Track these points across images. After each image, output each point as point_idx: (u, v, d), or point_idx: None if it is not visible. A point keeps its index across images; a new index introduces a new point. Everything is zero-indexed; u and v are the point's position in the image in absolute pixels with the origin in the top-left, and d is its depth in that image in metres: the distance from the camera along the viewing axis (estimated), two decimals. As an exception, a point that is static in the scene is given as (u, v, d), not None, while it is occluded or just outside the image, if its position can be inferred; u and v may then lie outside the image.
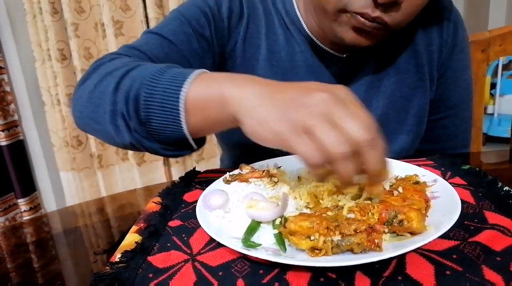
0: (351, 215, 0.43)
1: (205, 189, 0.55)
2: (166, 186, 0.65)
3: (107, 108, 0.50)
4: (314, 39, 0.72)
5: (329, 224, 0.41)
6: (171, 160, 1.90)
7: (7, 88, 1.79)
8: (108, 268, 0.43)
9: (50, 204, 2.01)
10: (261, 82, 0.45)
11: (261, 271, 0.40)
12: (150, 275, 0.41)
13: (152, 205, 0.58)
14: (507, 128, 2.51)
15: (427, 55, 0.76)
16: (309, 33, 0.72)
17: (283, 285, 0.38)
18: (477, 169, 0.60)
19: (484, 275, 0.36)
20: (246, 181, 0.54)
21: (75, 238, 0.61)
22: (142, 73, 0.50)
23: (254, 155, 0.63)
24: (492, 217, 0.46)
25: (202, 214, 0.49)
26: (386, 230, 0.41)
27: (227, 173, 0.59)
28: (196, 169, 0.72)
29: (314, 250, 0.41)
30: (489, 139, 2.62)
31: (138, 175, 1.88)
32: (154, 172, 1.92)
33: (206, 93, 0.46)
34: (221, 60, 0.73)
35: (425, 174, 0.55)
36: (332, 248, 0.40)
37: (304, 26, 0.72)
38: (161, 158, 1.88)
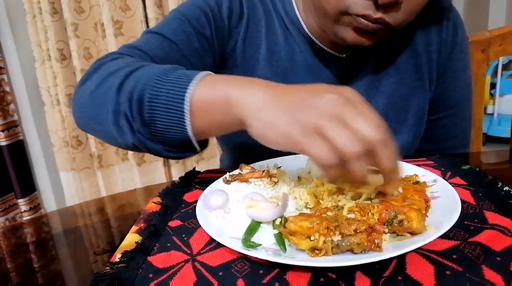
0: (351, 215, 0.43)
1: (205, 189, 0.55)
2: (166, 186, 0.65)
3: (110, 108, 0.50)
4: (314, 39, 0.72)
5: (329, 224, 0.41)
6: (171, 160, 1.89)
7: (7, 88, 1.78)
8: (108, 268, 0.43)
9: (50, 204, 2.00)
10: (266, 85, 0.44)
11: (261, 271, 0.40)
12: (150, 275, 0.41)
13: (152, 205, 0.58)
14: (507, 128, 2.51)
15: (427, 55, 0.76)
16: (308, 33, 0.72)
17: (283, 285, 0.38)
18: (477, 169, 0.60)
19: (484, 275, 0.36)
20: (246, 181, 0.54)
21: (75, 238, 0.61)
22: (146, 74, 0.50)
23: (254, 155, 0.63)
24: (492, 217, 0.46)
25: (202, 214, 0.49)
26: (386, 230, 0.42)
27: (227, 173, 0.59)
28: (196, 169, 0.72)
29: (314, 250, 0.41)
30: (489, 139, 2.62)
31: (138, 175, 1.88)
32: (154, 172, 1.92)
33: (211, 95, 0.46)
34: (221, 59, 0.73)
35: (425, 174, 0.55)
36: (332, 248, 0.40)
37: (304, 26, 0.72)
38: (161, 158, 1.88)
